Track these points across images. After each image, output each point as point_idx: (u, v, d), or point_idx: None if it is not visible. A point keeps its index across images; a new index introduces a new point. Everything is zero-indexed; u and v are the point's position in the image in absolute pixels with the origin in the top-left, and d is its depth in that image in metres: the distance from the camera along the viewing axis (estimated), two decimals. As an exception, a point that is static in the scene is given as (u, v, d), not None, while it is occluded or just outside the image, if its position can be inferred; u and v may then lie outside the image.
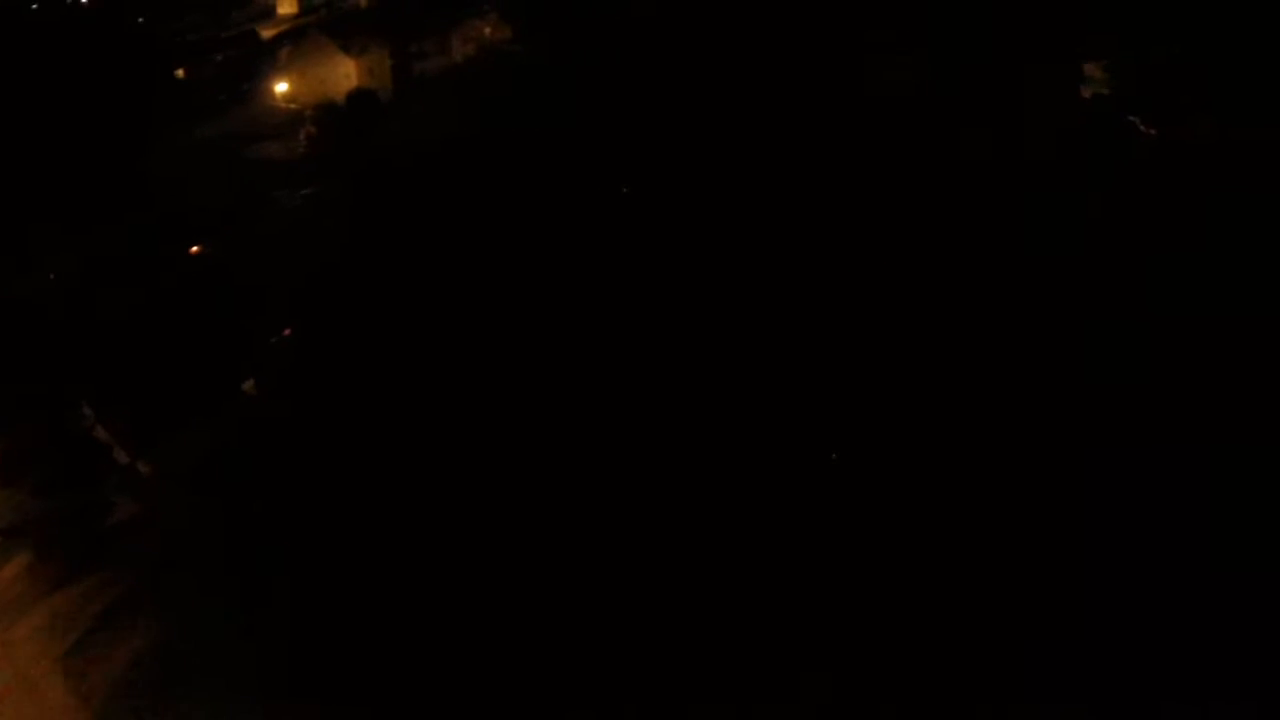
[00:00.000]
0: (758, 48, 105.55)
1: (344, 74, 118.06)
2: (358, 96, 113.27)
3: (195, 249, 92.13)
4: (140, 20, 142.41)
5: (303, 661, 55.13)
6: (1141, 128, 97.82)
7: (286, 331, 79.85)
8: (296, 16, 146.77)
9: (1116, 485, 58.53)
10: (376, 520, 62.88)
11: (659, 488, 62.88)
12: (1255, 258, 76.60)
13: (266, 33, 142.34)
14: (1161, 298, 73.39)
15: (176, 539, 64.25)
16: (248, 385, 75.24)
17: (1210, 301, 72.94)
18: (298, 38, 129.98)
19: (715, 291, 78.24)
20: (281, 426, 71.72)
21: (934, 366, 69.42)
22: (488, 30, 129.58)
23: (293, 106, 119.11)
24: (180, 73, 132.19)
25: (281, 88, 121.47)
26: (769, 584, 56.94)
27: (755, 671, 51.89)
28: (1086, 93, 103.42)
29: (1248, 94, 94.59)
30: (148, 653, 56.63)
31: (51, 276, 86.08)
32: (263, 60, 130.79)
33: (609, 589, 57.44)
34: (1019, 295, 74.41)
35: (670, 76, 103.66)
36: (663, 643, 53.81)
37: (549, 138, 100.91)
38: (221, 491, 66.75)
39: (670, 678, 52.03)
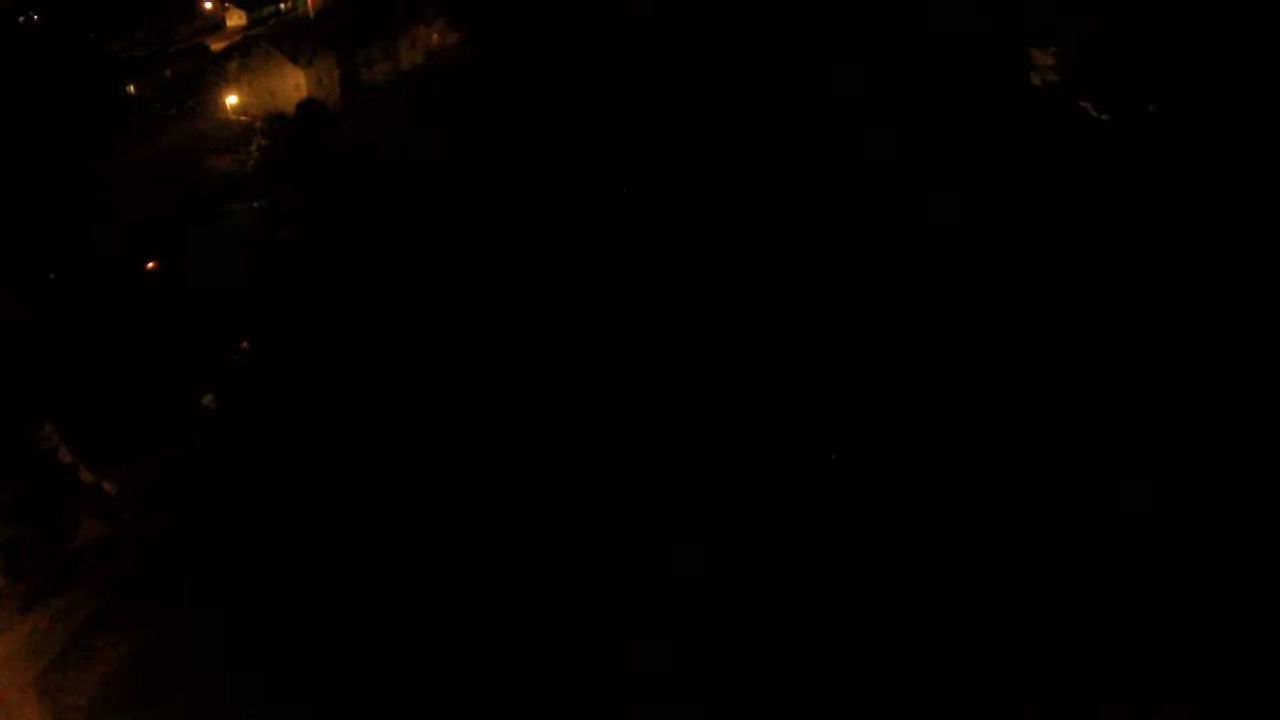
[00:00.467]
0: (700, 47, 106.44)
1: (293, 84, 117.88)
2: (307, 107, 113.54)
3: (151, 264, 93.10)
4: (91, 37, 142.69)
5: (273, 675, 56.14)
6: (1093, 113, 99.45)
7: (245, 345, 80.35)
8: (245, 28, 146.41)
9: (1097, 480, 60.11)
10: (343, 530, 63.57)
11: (655, 488, 63.49)
12: (1214, 235, 78.01)
13: (215, 45, 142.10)
14: (1127, 282, 74.23)
15: (143, 557, 65.05)
16: (207, 399, 75.54)
17: (1176, 283, 74.01)
18: (246, 50, 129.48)
19: (685, 293, 78.57)
20: (243, 440, 72.16)
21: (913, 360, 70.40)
22: (435, 37, 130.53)
23: (243, 118, 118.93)
24: (131, 88, 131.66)
25: (231, 100, 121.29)
26: (769, 584, 57.74)
27: (753, 674, 53.05)
28: (1036, 80, 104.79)
29: (1200, 77, 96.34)
30: (120, 672, 57.81)
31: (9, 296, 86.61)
32: (212, 73, 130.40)
33: (599, 592, 58.05)
34: (993, 288, 75.22)
35: (616, 78, 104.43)
36: (661, 642, 54.76)
37: (497, 140, 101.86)
38: (185, 508, 67.52)
39: (670, 679, 53.26)
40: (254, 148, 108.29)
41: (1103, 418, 63.32)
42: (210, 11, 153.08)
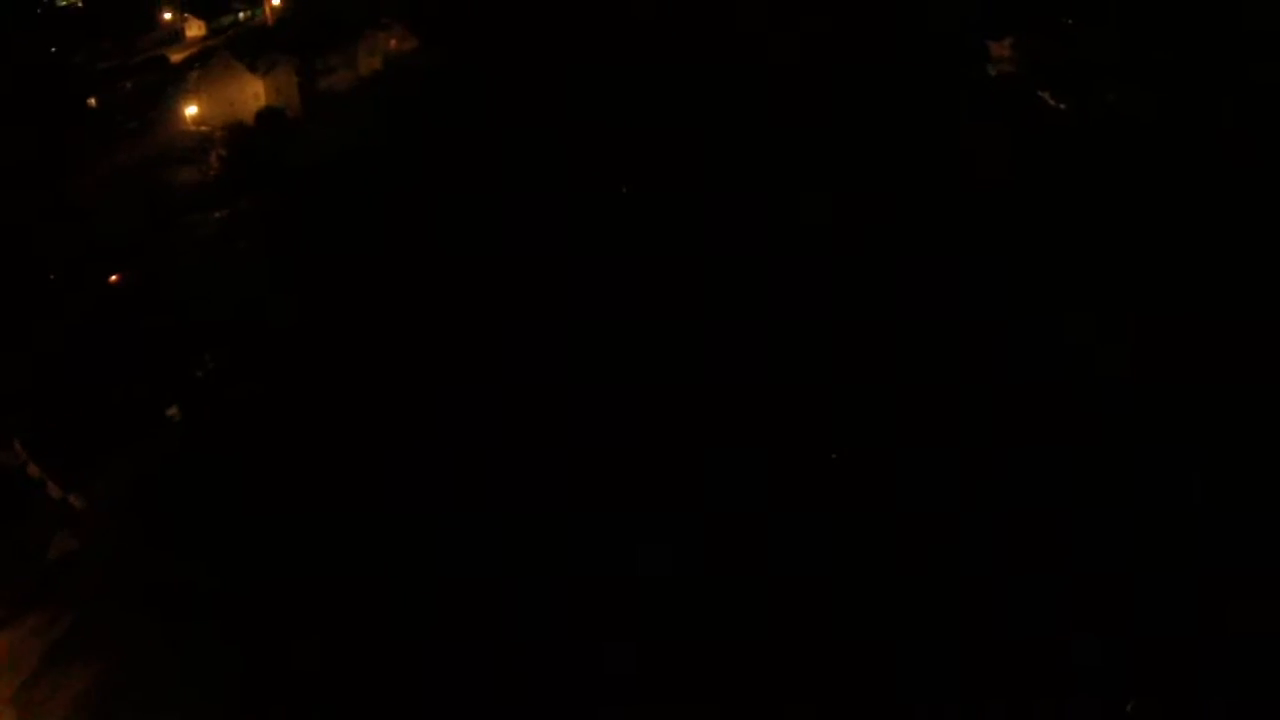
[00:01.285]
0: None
1: (252, 94, 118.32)
2: (266, 116, 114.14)
3: (115, 278, 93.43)
4: (52, 51, 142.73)
5: (246, 687, 56.49)
6: (1051, 102, 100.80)
7: (208, 359, 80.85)
8: (205, 39, 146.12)
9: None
10: (310, 536, 64.04)
11: (655, 488, 63.99)
12: (1177, 218, 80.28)
13: (176, 56, 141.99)
14: (1123, 277, 75.76)
15: (113, 571, 65.34)
16: (172, 410, 76.14)
17: (1142, 271, 75.94)
18: (206, 60, 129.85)
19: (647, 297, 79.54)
20: (209, 452, 72.36)
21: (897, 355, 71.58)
22: (393, 42, 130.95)
23: (203, 129, 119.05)
24: (92, 101, 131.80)
25: (191, 111, 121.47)
26: (768, 584, 58.11)
27: (754, 675, 53.47)
28: (993, 72, 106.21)
29: (1154, 63, 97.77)
30: (96, 686, 58.25)
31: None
32: (172, 84, 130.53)
33: (597, 593, 58.32)
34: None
35: (566, 80, 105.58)
36: (662, 642, 55.14)
37: (457, 142, 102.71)
38: (154, 522, 67.65)
39: (671, 679, 53.55)
40: (213, 158, 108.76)
41: (1097, 415, 64.60)
42: (170, 22, 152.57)
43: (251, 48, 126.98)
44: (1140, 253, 77.44)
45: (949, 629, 54.02)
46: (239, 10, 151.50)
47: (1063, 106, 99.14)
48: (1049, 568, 56.41)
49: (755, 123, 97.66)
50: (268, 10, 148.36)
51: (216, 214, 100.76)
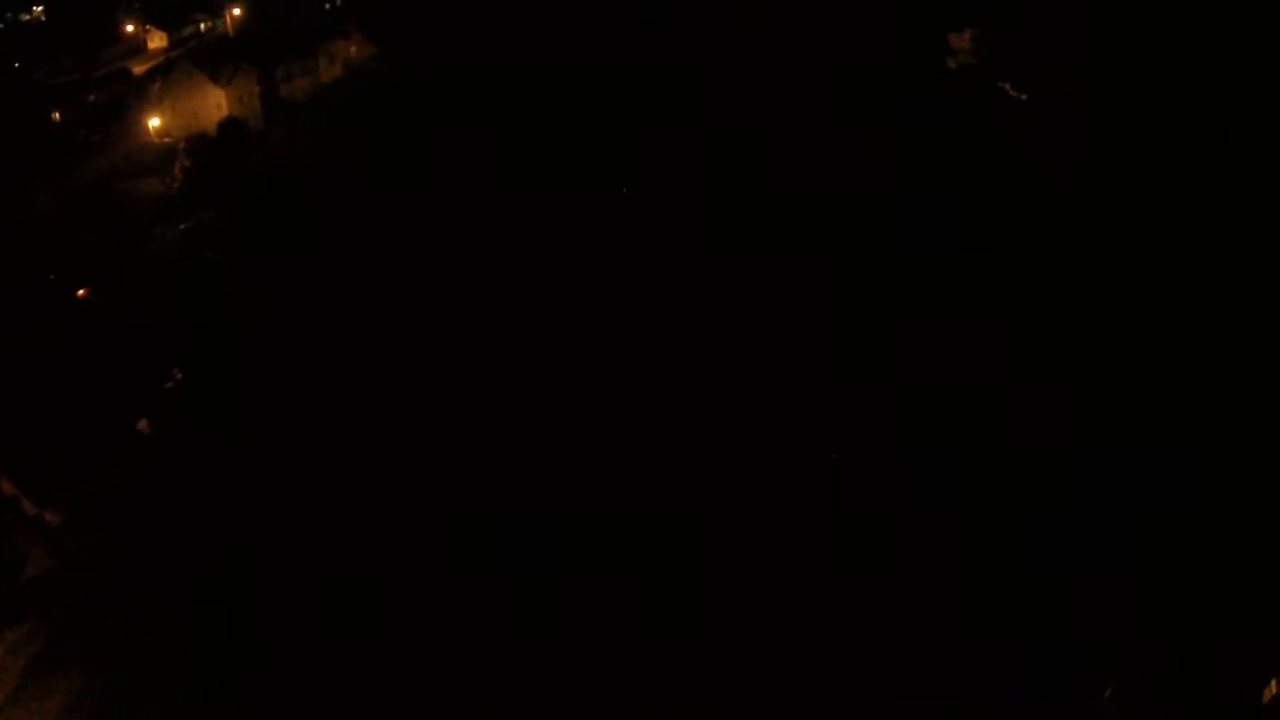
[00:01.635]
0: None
1: (214, 104, 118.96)
2: (228, 126, 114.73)
3: (82, 292, 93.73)
4: (15, 65, 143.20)
5: (224, 701, 56.57)
6: (1011, 92, 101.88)
7: (176, 372, 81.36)
8: (167, 50, 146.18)
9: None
10: (283, 546, 64.17)
11: (654, 489, 63.70)
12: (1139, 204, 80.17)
13: (138, 69, 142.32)
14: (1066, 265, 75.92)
15: (90, 586, 65.45)
16: (142, 425, 76.74)
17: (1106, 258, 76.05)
18: (168, 71, 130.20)
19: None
20: (180, 463, 72.80)
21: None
22: (353, 50, 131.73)
23: (166, 140, 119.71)
24: (56, 116, 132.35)
25: (154, 123, 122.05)
26: (769, 583, 58.12)
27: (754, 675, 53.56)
28: (953, 63, 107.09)
29: (1113, 52, 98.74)
30: (77, 702, 58.26)
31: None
32: (135, 96, 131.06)
33: (596, 593, 58.00)
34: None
35: (523, 85, 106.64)
36: (661, 642, 55.08)
37: (420, 146, 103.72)
38: (128, 536, 67.90)
39: (670, 680, 53.54)
40: (177, 169, 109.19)
41: (1097, 418, 64.33)
42: (132, 34, 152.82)
43: (213, 58, 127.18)
44: (1111, 243, 78.01)
45: (949, 629, 54.46)
46: (200, 20, 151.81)
47: (1024, 97, 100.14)
48: (1046, 565, 56.71)
49: (709, 122, 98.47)
50: (229, 20, 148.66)
51: (181, 225, 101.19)
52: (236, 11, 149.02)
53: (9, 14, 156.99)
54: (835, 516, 61.04)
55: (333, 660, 57.15)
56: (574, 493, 64.21)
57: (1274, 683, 49.46)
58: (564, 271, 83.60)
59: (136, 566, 66.07)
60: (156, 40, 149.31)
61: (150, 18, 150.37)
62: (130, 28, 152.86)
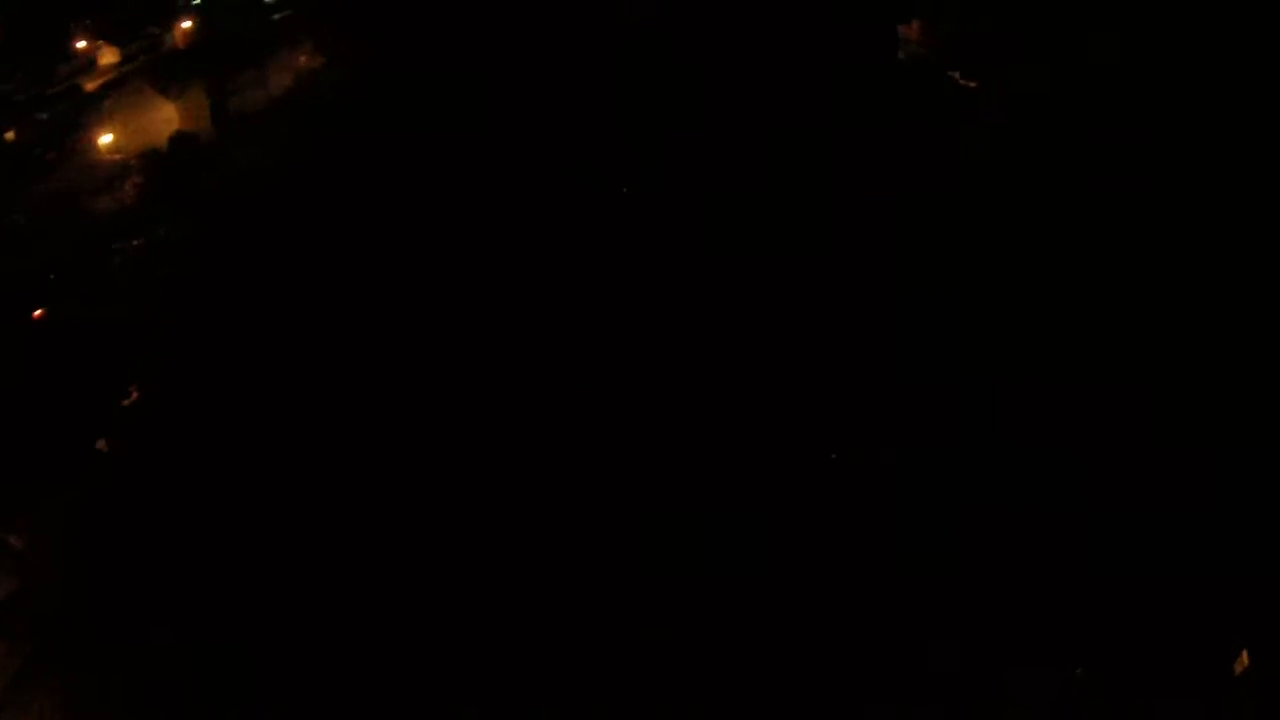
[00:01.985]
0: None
1: (165, 119, 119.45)
2: (178, 140, 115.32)
3: (38, 312, 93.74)
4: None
5: (214, 701, 57.27)
6: (960, 81, 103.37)
7: (133, 390, 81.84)
8: (119, 65, 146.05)
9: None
10: (250, 562, 64.63)
11: (653, 489, 64.40)
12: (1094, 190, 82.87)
13: (90, 85, 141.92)
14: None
15: (60, 608, 65.38)
16: (100, 444, 77.20)
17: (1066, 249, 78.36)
18: (120, 87, 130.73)
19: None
20: (140, 480, 73.02)
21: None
22: (303, 59, 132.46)
23: (118, 157, 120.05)
24: (10, 135, 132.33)
25: (106, 139, 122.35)
26: (768, 583, 58.81)
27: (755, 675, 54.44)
28: (902, 54, 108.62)
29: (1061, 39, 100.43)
30: (65, 712, 58.50)
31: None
32: (87, 113, 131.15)
33: (593, 594, 58.60)
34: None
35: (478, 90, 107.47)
36: (662, 642, 55.68)
37: (371, 151, 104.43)
38: (93, 555, 67.99)
39: (671, 681, 54.29)
40: (129, 186, 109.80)
41: (1094, 416, 65.56)
42: (84, 50, 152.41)
43: (164, 72, 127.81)
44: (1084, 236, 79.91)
45: (949, 629, 55.31)
46: (151, 34, 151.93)
47: (973, 85, 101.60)
48: (1044, 564, 57.93)
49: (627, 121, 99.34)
50: (178, 34, 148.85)
51: (135, 241, 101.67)
52: (186, 25, 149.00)
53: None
54: (835, 517, 61.94)
55: (310, 670, 57.62)
56: (571, 493, 64.84)
57: (1244, 654, 51.16)
58: (551, 270, 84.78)
59: (102, 586, 66.14)
60: (108, 56, 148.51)
61: (101, 33, 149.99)
62: (82, 44, 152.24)
